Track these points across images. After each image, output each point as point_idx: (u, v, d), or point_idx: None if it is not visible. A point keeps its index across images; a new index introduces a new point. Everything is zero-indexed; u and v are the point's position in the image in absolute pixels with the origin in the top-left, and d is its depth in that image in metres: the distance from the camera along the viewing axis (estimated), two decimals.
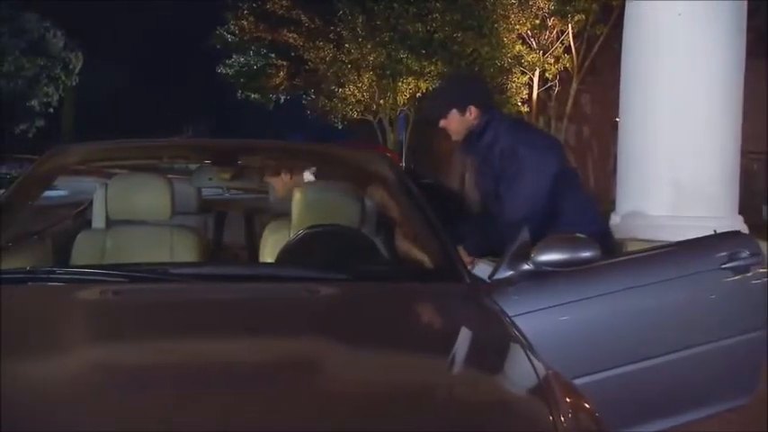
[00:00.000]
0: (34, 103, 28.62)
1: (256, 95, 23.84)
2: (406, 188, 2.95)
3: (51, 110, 29.86)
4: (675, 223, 5.32)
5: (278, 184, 3.96)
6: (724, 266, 3.08)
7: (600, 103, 16.30)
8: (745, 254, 3.12)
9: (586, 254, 2.54)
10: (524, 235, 2.61)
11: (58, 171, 3.34)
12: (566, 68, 18.60)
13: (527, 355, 1.87)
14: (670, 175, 5.59)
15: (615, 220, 5.88)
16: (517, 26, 18.09)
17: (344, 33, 20.96)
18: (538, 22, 18.22)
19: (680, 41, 5.60)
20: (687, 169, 5.58)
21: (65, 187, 10.12)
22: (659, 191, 5.63)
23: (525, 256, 2.57)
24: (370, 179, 3.55)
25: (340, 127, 23.91)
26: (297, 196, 3.25)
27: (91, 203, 3.61)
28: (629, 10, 5.95)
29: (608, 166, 17.57)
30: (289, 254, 2.84)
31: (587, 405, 1.76)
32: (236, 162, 3.82)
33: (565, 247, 2.55)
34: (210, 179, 3.84)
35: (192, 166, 4.25)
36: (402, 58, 19.87)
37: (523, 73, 18.87)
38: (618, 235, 5.49)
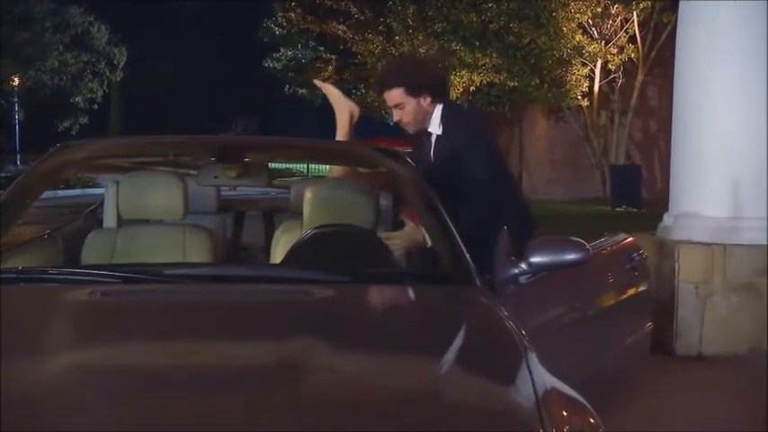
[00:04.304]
0: (78, 99, 28.67)
1: (304, 90, 23.55)
2: (419, 186, 2.91)
3: (96, 106, 29.93)
4: (735, 225, 5.38)
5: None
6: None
7: (668, 96, 15.51)
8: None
9: (572, 256, 2.59)
10: (504, 235, 2.71)
11: (61, 168, 3.33)
12: (630, 59, 18.34)
13: (527, 363, 1.85)
14: (728, 174, 5.49)
15: (668, 220, 5.81)
16: (577, 15, 17.77)
17: (394, 25, 20.55)
18: (600, 10, 17.89)
19: (737, 34, 5.54)
20: (746, 168, 5.48)
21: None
22: (717, 190, 5.53)
23: (518, 257, 2.63)
24: (382, 177, 3.57)
25: (391, 123, 23.37)
26: (308, 195, 3.24)
27: (102, 202, 3.61)
28: (684, 5, 5.87)
29: None
30: (296, 254, 2.82)
31: (592, 420, 1.73)
32: (243, 159, 3.76)
33: (554, 249, 2.62)
34: (216, 177, 3.79)
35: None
36: (455, 50, 19.31)
37: (584, 64, 18.53)
38: (671, 236, 5.65)
